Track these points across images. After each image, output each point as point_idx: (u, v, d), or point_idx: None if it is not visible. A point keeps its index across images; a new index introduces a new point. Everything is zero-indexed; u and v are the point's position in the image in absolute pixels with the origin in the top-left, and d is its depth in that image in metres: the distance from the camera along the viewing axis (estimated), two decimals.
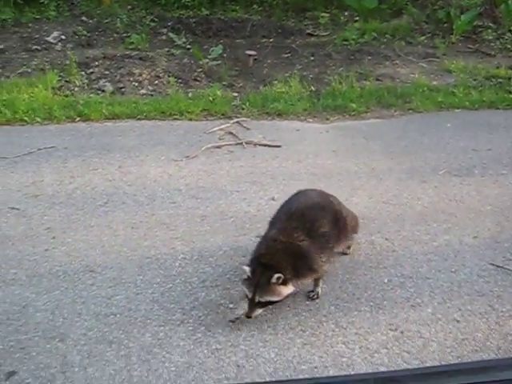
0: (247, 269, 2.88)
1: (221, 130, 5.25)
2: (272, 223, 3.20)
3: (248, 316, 2.85)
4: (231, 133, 5.20)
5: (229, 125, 5.36)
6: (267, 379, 2.59)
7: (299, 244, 2.98)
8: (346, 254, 3.50)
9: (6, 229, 3.72)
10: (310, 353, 2.78)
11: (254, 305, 2.83)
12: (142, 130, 5.25)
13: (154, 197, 4.12)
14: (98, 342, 2.81)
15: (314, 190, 3.49)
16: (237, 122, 5.45)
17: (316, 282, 3.14)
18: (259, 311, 2.87)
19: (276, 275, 2.81)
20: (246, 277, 2.88)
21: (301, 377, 2.61)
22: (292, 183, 4.32)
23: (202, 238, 3.63)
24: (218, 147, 4.91)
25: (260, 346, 2.81)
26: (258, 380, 2.58)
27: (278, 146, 4.93)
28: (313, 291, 3.14)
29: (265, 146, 4.95)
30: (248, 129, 5.32)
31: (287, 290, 2.89)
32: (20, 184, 4.27)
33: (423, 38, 7.75)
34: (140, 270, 3.33)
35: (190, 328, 2.89)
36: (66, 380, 2.61)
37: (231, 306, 3.05)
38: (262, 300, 2.84)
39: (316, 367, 2.69)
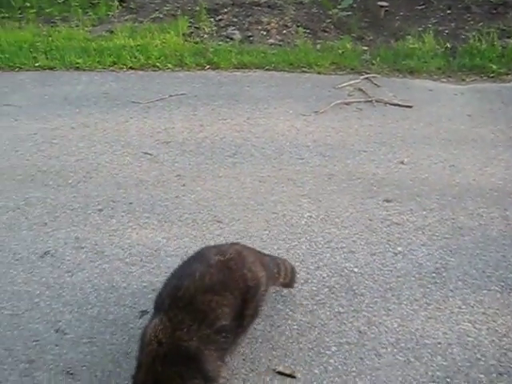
0: None
1: (350, 85, 5.13)
2: (156, 306, 2.32)
3: None
4: (361, 89, 5.06)
5: (358, 81, 5.21)
6: (388, 349, 2.57)
7: (186, 346, 2.12)
8: None
9: (140, 173, 3.90)
10: (434, 327, 2.71)
11: None
12: (271, 81, 5.23)
13: (281, 151, 4.13)
14: None
15: (222, 253, 2.41)
16: (366, 78, 5.29)
17: None
18: None
19: None
20: None
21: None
22: (423, 147, 4.17)
23: (329, 198, 3.61)
24: (347, 104, 4.80)
25: (383, 314, 2.78)
26: (379, 349, 2.56)
27: (409, 107, 4.74)
28: None
29: (395, 105, 4.78)
30: (378, 86, 5.14)
31: None
32: (153, 130, 4.43)
33: None
34: (266, 224, 3.38)
35: (314, 288, 2.91)
36: None
37: (355, 270, 3.02)
38: None
39: (440, 343, 2.62)
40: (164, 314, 2.18)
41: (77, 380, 2.41)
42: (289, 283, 2.85)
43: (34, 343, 2.59)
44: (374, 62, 5.63)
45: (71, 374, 2.44)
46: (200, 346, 2.13)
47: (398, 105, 4.78)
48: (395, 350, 2.56)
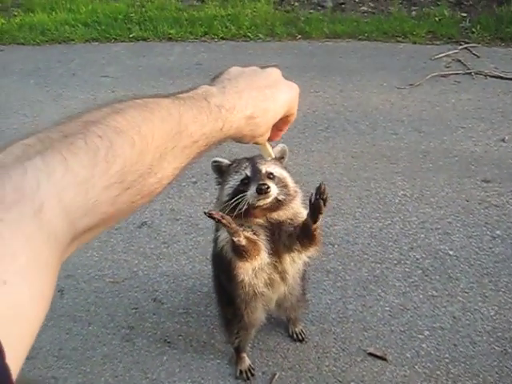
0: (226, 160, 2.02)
1: (447, 56, 4.91)
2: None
3: (263, 184, 1.83)
4: (459, 60, 4.84)
5: (456, 51, 4.98)
6: (484, 338, 2.50)
7: None
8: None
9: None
10: None
11: (262, 174, 1.91)
12: (364, 51, 5.10)
13: (375, 126, 4.03)
14: (317, 270, 2.90)
15: None
16: (465, 47, 5.04)
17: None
18: (274, 186, 1.89)
19: (280, 144, 2.03)
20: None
21: None
22: None
23: (424, 176, 3.51)
24: (444, 76, 4.60)
25: (479, 300, 2.69)
26: (474, 336, 2.50)
27: None
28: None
29: (497, 77, 4.54)
30: (478, 56, 4.89)
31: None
32: None
33: None
34: (359, 202, 3.34)
35: (407, 269, 2.86)
36: None
37: (451, 252, 2.94)
38: (270, 170, 1.95)
39: None
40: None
41: (173, 348, 2.52)
42: None
43: (134, 311, 2.72)
44: (473, 30, 5.34)
45: (168, 342, 2.55)
46: None
47: (500, 77, 4.53)
48: (491, 339, 2.48)
